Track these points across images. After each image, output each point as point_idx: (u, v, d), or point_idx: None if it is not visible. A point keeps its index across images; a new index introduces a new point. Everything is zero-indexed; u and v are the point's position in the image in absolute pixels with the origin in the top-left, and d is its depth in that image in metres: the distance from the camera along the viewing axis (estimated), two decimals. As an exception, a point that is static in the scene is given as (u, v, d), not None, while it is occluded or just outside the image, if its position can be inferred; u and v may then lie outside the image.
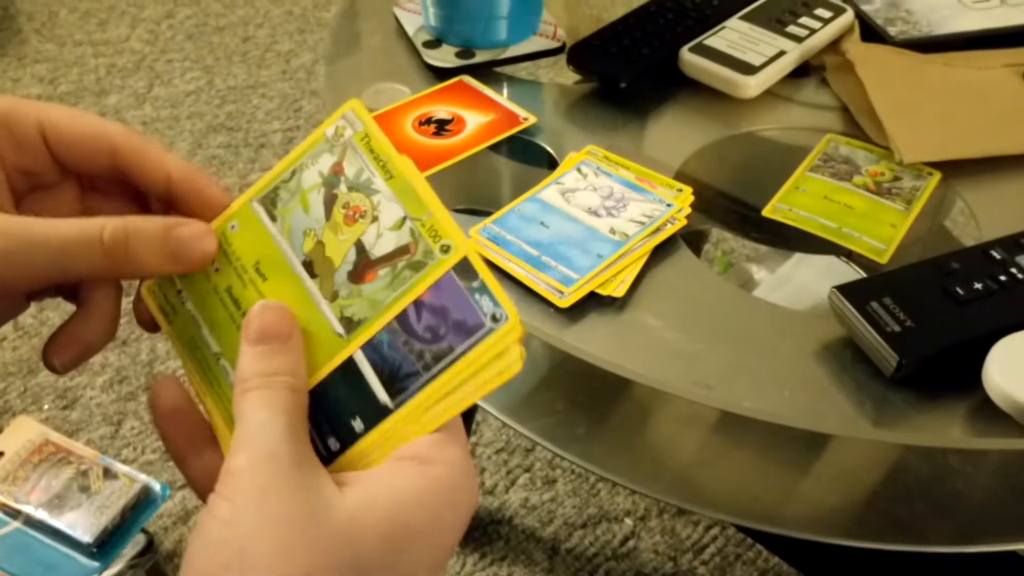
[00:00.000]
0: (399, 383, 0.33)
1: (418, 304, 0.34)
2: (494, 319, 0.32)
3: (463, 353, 0.32)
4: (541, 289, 0.52)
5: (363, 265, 0.34)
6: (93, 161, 0.37)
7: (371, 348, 0.34)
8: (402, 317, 0.34)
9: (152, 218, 0.35)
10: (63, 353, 0.36)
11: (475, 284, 0.33)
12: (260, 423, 0.31)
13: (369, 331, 0.33)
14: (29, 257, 0.32)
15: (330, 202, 0.36)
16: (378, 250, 0.34)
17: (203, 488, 0.35)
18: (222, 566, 0.27)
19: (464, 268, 0.33)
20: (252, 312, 0.34)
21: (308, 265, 0.35)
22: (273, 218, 0.36)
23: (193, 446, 0.35)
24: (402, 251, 0.34)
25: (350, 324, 0.34)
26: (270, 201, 0.37)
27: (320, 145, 0.36)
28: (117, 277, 0.36)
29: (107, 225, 0.33)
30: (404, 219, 0.34)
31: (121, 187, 0.38)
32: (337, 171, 0.36)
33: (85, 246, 0.33)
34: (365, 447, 0.33)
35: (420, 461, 0.31)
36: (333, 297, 0.34)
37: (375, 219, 0.34)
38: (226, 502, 0.29)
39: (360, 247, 0.34)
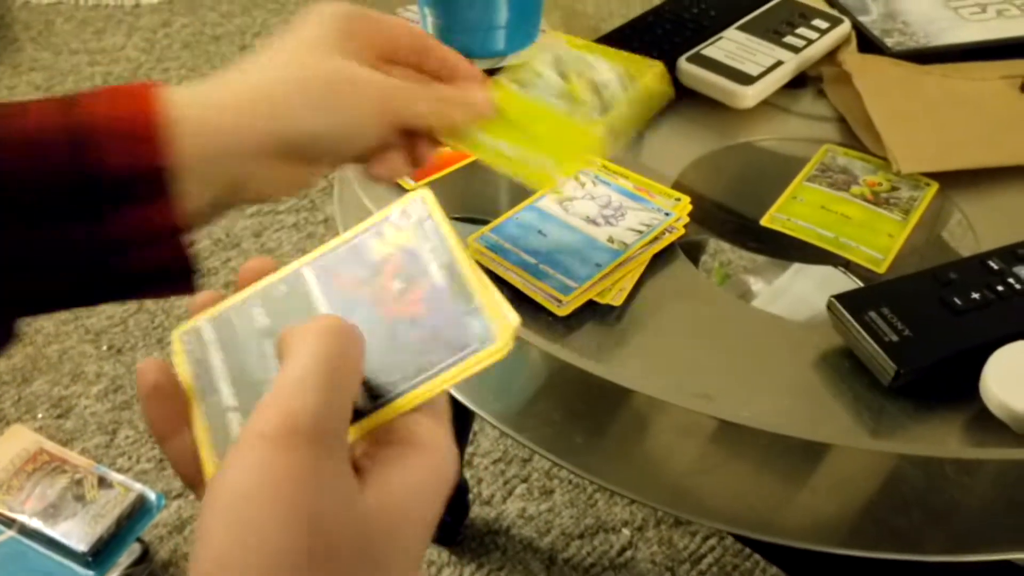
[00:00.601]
0: (379, 388, 0.33)
1: (411, 320, 0.34)
2: (481, 341, 0.33)
3: (446, 368, 0.33)
4: (539, 297, 0.52)
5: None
6: (406, 54, 0.46)
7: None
8: (392, 329, 0.34)
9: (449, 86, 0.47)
10: (383, 165, 0.45)
11: (470, 307, 0.34)
12: (306, 378, 0.29)
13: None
14: (406, 98, 0.44)
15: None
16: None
17: (183, 468, 0.35)
18: (226, 545, 0.27)
19: (462, 293, 0.34)
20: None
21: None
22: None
23: (174, 426, 0.35)
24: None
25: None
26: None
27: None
28: (433, 125, 0.46)
29: (429, 87, 0.46)
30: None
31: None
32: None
33: (420, 98, 0.44)
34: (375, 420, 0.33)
35: (421, 449, 0.31)
36: None
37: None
38: (237, 471, 0.27)
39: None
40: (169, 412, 0.35)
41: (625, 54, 0.55)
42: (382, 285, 0.36)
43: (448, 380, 0.33)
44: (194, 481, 0.34)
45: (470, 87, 0.48)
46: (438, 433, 0.32)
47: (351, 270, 0.37)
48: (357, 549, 0.28)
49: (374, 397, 0.34)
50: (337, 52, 0.42)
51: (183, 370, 0.38)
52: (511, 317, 0.33)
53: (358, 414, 0.33)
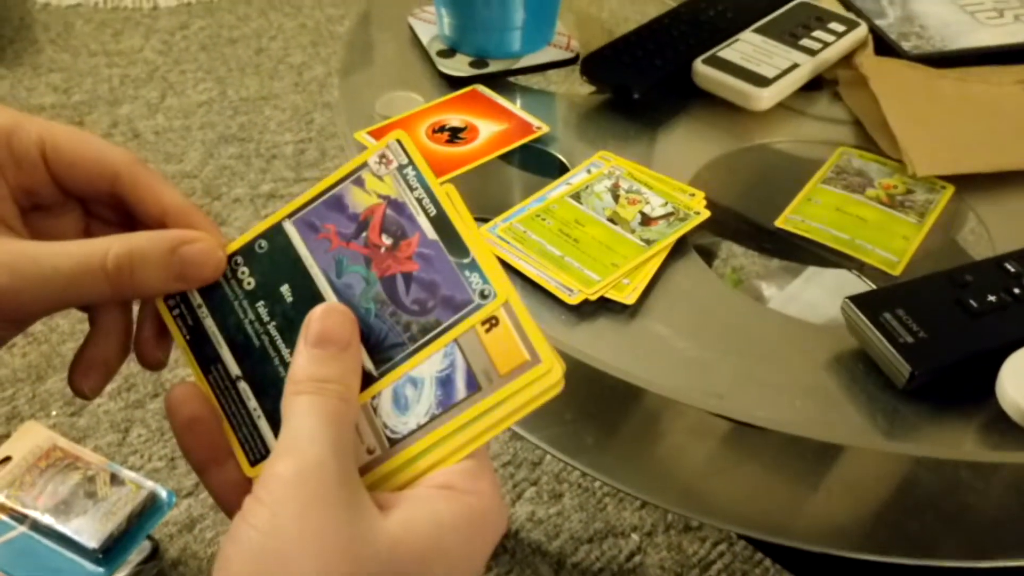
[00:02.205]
0: (384, 352, 0.33)
1: (407, 277, 0.34)
2: (482, 295, 0.32)
3: (450, 327, 0.33)
4: (552, 287, 0.52)
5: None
6: (92, 186, 0.36)
7: (358, 318, 0.34)
8: (390, 288, 0.34)
9: (157, 236, 0.34)
10: (88, 378, 0.36)
11: (465, 260, 0.33)
12: (309, 431, 0.30)
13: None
14: (36, 291, 0.32)
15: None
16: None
17: (224, 499, 0.35)
18: (260, 571, 0.27)
19: (456, 245, 0.33)
20: (315, 313, 0.33)
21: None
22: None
23: (213, 457, 0.35)
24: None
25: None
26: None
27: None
28: (124, 300, 0.36)
29: (110, 251, 0.33)
30: None
31: (123, 215, 0.38)
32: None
33: (90, 275, 0.33)
34: (393, 465, 0.33)
35: (457, 491, 0.31)
36: None
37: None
38: (266, 510, 0.28)
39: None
40: (206, 442, 0.35)
41: (675, 183, 0.59)
42: (371, 240, 0.35)
43: (497, 426, 0.32)
44: (234, 510, 0.34)
45: (192, 247, 0.35)
46: (480, 483, 0.32)
47: (334, 223, 0.35)
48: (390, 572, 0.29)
49: (380, 362, 0.33)
50: None
51: (177, 335, 0.37)
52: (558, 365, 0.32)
53: (368, 379, 0.33)
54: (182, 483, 1.08)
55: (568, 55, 0.72)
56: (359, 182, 0.36)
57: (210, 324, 0.36)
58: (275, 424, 0.34)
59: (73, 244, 0.33)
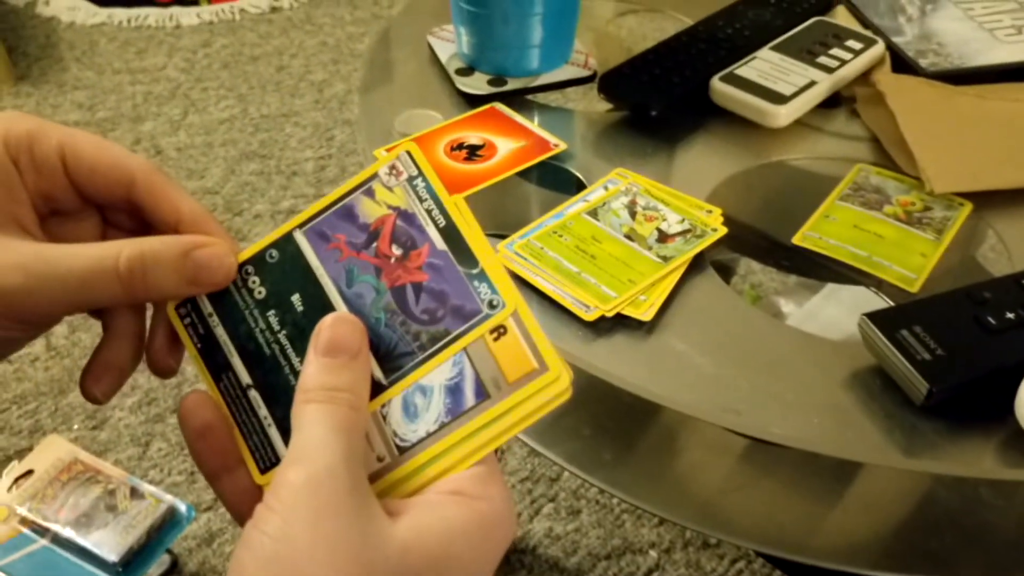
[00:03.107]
0: (394, 361, 0.33)
1: (417, 287, 0.34)
2: (491, 305, 0.33)
3: (459, 336, 0.33)
4: (568, 303, 0.52)
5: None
6: (110, 191, 0.37)
7: (368, 328, 0.34)
8: (400, 298, 0.34)
9: (170, 240, 0.35)
10: (101, 382, 0.36)
11: (474, 271, 0.33)
12: (319, 439, 0.30)
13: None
14: (50, 292, 0.33)
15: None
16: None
17: (234, 506, 0.35)
18: None
19: (465, 255, 0.34)
20: (325, 322, 0.33)
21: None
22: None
23: (225, 464, 0.35)
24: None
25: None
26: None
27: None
28: (136, 303, 0.36)
29: (123, 253, 0.33)
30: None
31: (140, 222, 0.38)
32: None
33: (102, 276, 0.33)
34: (402, 473, 0.33)
35: (466, 496, 0.32)
36: None
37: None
38: (278, 517, 0.29)
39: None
40: (218, 450, 0.35)
41: (692, 199, 0.60)
42: (381, 250, 0.35)
43: (503, 434, 0.33)
44: (245, 518, 0.35)
45: (204, 251, 0.36)
46: (489, 488, 0.32)
47: (345, 233, 0.36)
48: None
49: (390, 371, 0.34)
50: None
51: (188, 344, 0.37)
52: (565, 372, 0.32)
53: (378, 388, 0.33)
54: (201, 497, 1.09)
55: (586, 73, 0.73)
56: (369, 193, 0.36)
57: (221, 332, 0.37)
58: (285, 432, 0.35)
59: (87, 246, 0.34)
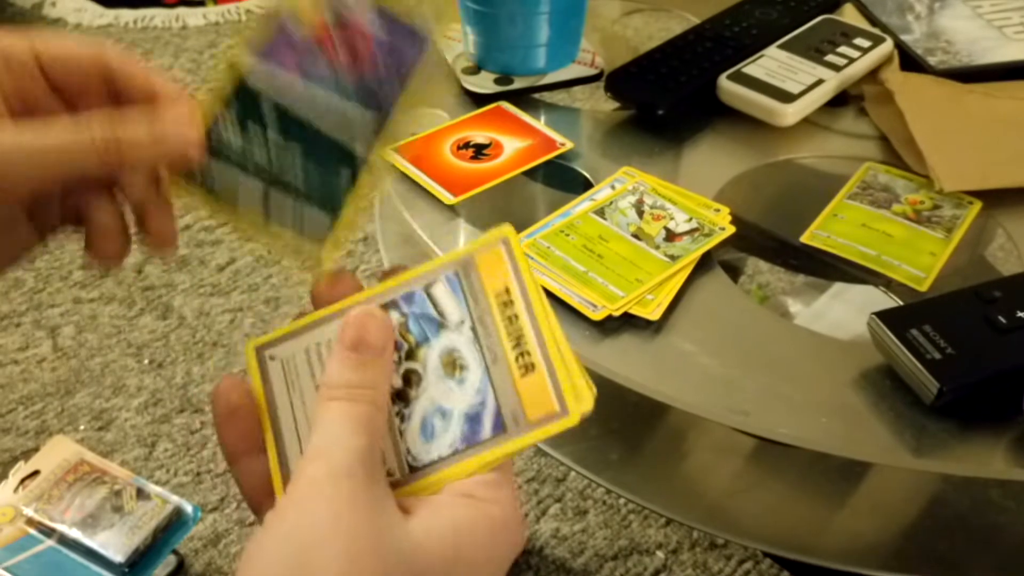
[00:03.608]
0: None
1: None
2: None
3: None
4: (576, 303, 0.52)
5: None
6: (86, 79, 0.37)
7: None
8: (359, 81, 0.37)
9: (135, 110, 0.35)
10: (95, 265, 0.37)
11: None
12: (339, 435, 0.31)
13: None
14: (29, 160, 0.33)
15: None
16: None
17: (249, 488, 0.36)
18: (290, 570, 0.28)
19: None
20: (352, 316, 0.34)
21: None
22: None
23: (247, 448, 0.36)
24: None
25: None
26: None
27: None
28: (112, 172, 0.36)
29: (93, 120, 0.33)
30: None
31: (112, 106, 0.38)
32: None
33: (76, 149, 0.33)
34: (409, 491, 0.33)
35: (477, 499, 0.32)
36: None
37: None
38: (297, 509, 0.29)
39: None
40: (244, 432, 0.36)
41: (699, 198, 0.59)
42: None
43: (511, 449, 0.33)
44: (260, 505, 0.35)
45: (171, 111, 0.36)
46: (500, 492, 0.33)
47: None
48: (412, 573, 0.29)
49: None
50: None
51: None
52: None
53: (393, 484, 0.33)
54: (207, 498, 1.09)
55: (593, 72, 0.72)
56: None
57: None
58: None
59: (60, 119, 0.34)
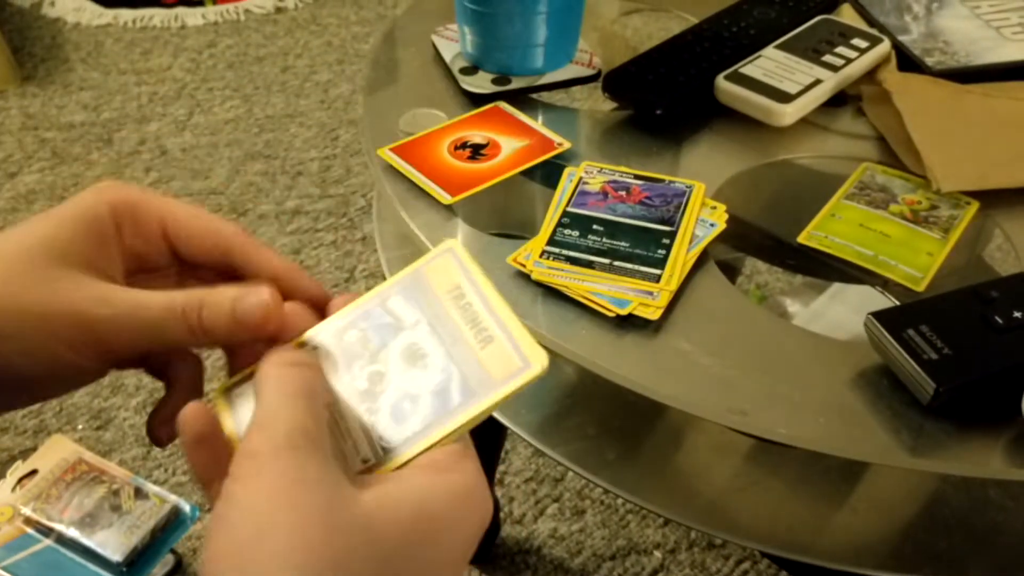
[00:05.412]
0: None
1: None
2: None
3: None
4: (601, 303, 0.52)
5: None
6: (207, 256, 0.40)
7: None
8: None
9: (227, 288, 0.37)
10: (166, 427, 0.39)
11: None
12: (279, 405, 0.31)
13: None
14: (130, 326, 0.36)
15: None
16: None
17: None
18: (239, 550, 0.28)
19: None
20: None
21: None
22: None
23: (218, 470, 0.35)
24: None
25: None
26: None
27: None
28: (198, 344, 0.38)
29: (188, 296, 0.37)
30: None
31: (223, 276, 0.41)
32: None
33: (169, 314, 0.36)
34: (386, 470, 0.33)
35: (438, 469, 0.32)
36: None
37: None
38: (240, 485, 0.29)
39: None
40: (212, 458, 0.36)
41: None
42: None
43: (477, 417, 0.33)
44: None
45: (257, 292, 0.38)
46: (462, 462, 0.33)
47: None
48: (369, 551, 0.29)
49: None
50: (75, 264, 0.37)
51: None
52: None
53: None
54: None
55: (590, 72, 0.72)
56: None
57: None
58: None
59: (159, 292, 0.37)
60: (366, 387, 0.35)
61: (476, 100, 0.71)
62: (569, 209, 0.58)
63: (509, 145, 0.64)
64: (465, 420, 0.33)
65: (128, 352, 0.37)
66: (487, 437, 0.86)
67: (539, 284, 0.54)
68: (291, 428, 0.30)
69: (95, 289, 0.36)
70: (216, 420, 0.36)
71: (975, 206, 0.61)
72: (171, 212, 0.40)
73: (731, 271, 0.99)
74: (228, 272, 0.41)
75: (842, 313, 0.97)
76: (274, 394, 0.32)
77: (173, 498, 0.98)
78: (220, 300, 0.37)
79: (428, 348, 0.35)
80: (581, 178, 0.61)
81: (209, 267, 0.41)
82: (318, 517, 0.28)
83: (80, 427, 1.18)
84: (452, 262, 0.37)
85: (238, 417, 0.37)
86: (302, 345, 0.38)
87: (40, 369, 0.36)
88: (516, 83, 0.71)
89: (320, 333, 0.38)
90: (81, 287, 0.36)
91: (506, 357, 0.34)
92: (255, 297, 0.37)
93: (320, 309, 0.39)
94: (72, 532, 0.93)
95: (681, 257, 0.54)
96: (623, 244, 0.55)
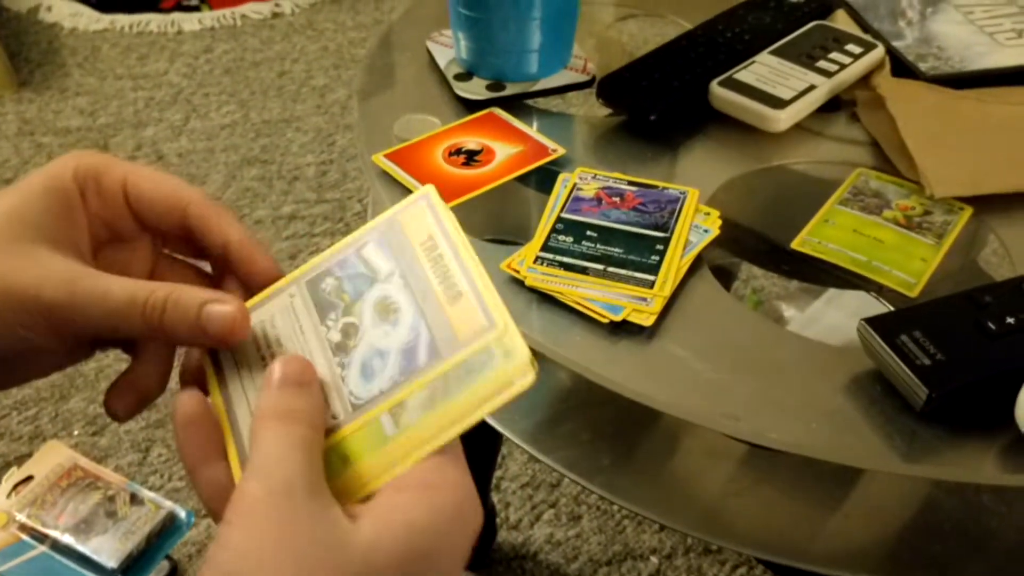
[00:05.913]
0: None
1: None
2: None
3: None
4: (595, 309, 0.52)
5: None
6: (166, 219, 0.40)
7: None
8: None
9: (195, 291, 0.36)
10: (122, 400, 0.38)
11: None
12: (278, 454, 0.31)
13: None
14: (85, 312, 0.35)
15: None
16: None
17: (208, 496, 0.36)
18: None
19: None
20: (275, 363, 0.35)
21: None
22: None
23: (205, 456, 0.36)
24: None
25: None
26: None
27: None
28: (157, 341, 0.38)
29: (152, 293, 0.36)
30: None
31: (192, 248, 0.41)
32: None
33: (130, 308, 0.35)
34: (363, 469, 0.33)
35: (426, 487, 0.32)
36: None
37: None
38: (238, 531, 0.29)
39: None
40: (202, 441, 0.36)
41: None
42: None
43: (467, 419, 0.33)
44: (220, 512, 0.35)
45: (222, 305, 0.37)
46: (448, 475, 0.33)
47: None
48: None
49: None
50: (41, 239, 0.36)
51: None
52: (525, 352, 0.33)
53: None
54: (201, 504, 1.09)
55: (584, 78, 0.73)
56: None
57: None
58: None
59: (127, 280, 0.36)
60: (339, 339, 0.36)
61: (470, 106, 0.71)
62: (563, 215, 0.58)
63: (503, 151, 0.65)
64: (427, 379, 0.33)
65: (89, 337, 0.37)
66: (482, 443, 0.86)
67: (533, 290, 0.54)
68: (289, 475, 0.30)
69: (58, 269, 0.35)
70: (208, 405, 0.37)
71: (969, 211, 0.61)
72: (134, 176, 0.39)
73: (727, 276, 0.99)
74: (195, 241, 0.40)
75: (838, 318, 0.97)
76: (272, 444, 0.32)
77: (168, 504, 0.98)
78: (186, 303, 0.36)
79: (401, 302, 0.36)
80: (575, 184, 0.61)
81: (173, 235, 0.40)
82: (319, 558, 0.28)
83: (76, 433, 1.17)
84: (426, 210, 0.37)
85: (225, 380, 0.38)
86: (279, 291, 0.38)
87: (3, 347, 0.35)
88: (510, 89, 0.71)
89: (298, 280, 0.39)
90: (42, 265, 0.35)
91: (472, 315, 0.34)
92: (221, 307, 0.36)
93: (266, 285, 0.39)
94: (67, 538, 0.93)
95: (675, 263, 0.54)
96: (617, 250, 0.55)
